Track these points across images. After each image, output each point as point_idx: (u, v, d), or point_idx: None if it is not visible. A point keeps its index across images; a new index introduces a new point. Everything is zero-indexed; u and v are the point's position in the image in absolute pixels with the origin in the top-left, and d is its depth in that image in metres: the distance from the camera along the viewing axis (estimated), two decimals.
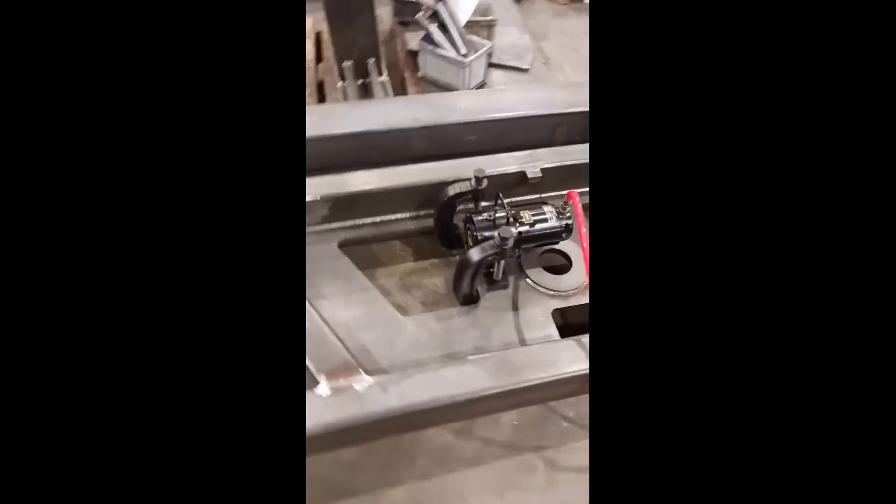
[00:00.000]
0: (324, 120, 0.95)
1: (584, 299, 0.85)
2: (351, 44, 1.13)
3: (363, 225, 0.94)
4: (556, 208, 0.83)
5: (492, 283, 0.85)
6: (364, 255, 0.98)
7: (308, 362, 0.66)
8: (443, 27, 1.34)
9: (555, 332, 0.81)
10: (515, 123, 1.00)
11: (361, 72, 1.20)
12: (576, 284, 0.86)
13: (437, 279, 0.99)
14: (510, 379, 0.65)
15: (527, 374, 0.65)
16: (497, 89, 1.12)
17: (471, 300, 0.83)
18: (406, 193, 0.91)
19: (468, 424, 1.22)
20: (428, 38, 1.36)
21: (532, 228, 0.80)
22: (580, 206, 0.77)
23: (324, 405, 0.61)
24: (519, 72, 1.40)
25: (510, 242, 0.72)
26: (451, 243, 0.93)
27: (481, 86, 1.36)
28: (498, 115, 0.99)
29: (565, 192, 0.86)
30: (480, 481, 1.15)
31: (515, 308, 0.84)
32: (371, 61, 1.18)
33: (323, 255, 0.90)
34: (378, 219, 0.95)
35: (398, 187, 0.89)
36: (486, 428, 1.21)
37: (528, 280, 0.87)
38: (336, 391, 0.61)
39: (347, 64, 1.19)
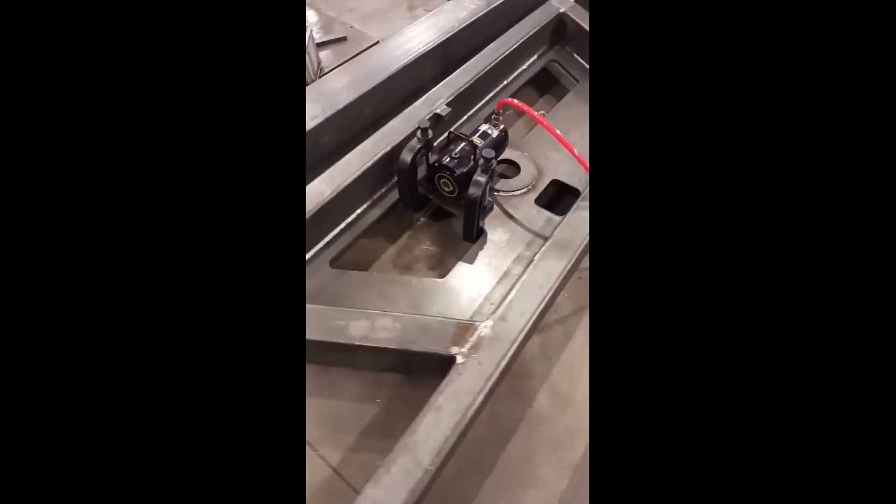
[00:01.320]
0: None
1: (537, 190, 1.00)
2: None
3: (339, 234, 0.90)
4: (488, 122, 0.93)
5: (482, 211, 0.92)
6: (356, 259, 0.95)
7: (434, 347, 0.66)
8: None
9: (545, 212, 0.95)
10: (396, 79, 1.04)
11: None
12: (528, 179, 1.00)
13: (424, 245, 1.02)
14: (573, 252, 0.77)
15: (578, 241, 0.78)
16: (352, 62, 1.11)
17: (480, 232, 0.90)
18: (355, 185, 0.89)
19: None
20: None
21: (488, 144, 0.89)
22: (515, 101, 0.88)
23: (478, 363, 0.63)
24: (340, 42, 1.37)
25: (494, 162, 0.80)
26: (419, 205, 0.96)
27: (321, 70, 1.30)
28: (380, 78, 1.01)
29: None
30: None
31: (511, 217, 0.94)
32: None
33: (324, 280, 0.84)
34: (344, 222, 0.91)
35: (349, 182, 0.86)
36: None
37: (497, 194, 0.97)
38: (472, 348, 0.64)
39: None
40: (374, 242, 0.99)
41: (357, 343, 0.64)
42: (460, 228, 0.94)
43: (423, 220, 1.02)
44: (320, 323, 0.67)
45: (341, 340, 0.64)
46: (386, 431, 0.76)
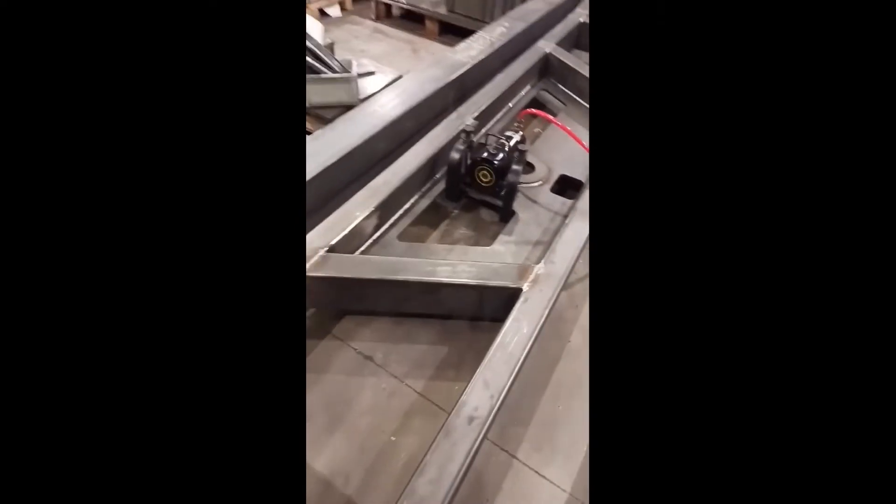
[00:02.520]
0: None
1: (550, 182, 1.25)
2: None
3: (398, 219, 1.09)
4: (512, 129, 1.18)
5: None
6: (410, 241, 1.12)
7: (504, 283, 0.83)
8: (312, 56, 1.41)
9: (559, 197, 1.19)
10: (429, 101, 1.28)
11: None
12: (542, 174, 1.25)
13: (460, 230, 1.22)
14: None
15: None
16: (389, 89, 1.34)
17: (512, 213, 1.12)
18: (411, 178, 1.09)
19: None
20: (310, 71, 1.40)
21: (512, 144, 1.13)
22: (533, 109, 1.14)
23: (539, 291, 0.82)
24: (370, 75, 1.61)
25: (525, 154, 1.04)
26: (458, 197, 1.17)
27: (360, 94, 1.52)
28: (416, 100, 1.24)
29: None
30: None
31: (534, 202, 1.17)
32: None
33: (397, 250, 1.02)
34: (402, 209, 1.10)
35: (408, 177, 1.06)
36: None
37: (519, 186, 1.20)
38: (532, 282, 0.83)
39: None
40: (420, 229, 1.19)
41: (445, 281, 0.82)
42: (490, 216, 1.15)
43: (457, 211, 1.23)
44: (413, 269, 0.84)
45: (431, 279, 0.82)
46: (459, 366, 0.92)
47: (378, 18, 2.74)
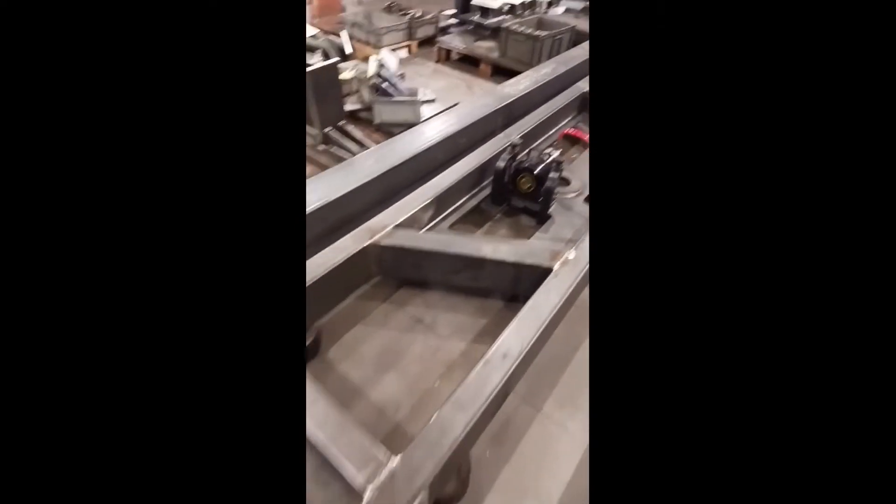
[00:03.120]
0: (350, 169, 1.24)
1: (584, 195, 1.41)
2: (330, 114, 1.41)
3: (450, 213, 1.28)
4: (551, 147, 1.36)
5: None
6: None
7: (538, 262, 0.99)
8: (386, 81, 1.75)
9: (587, 205, 1.33)
10: (480, 123, 1.50)
11: (339, 134, 1.49)
12: (577, 187, 1.41)
13: (501, 231, 1.39)
14: None
15: None
16: (446, 113, 1.58)
17: (548, 217, 1.28)
18: (463, 180, 1.29)
19: None
20: (382, 93, 1.72)
21: (551, 159, 1.31)
22: (570, 129, 1.32)
23: (568, 271, 0.96)
24: (431, 102, 1.89)
25: (563, 165, 1.22)
26: (501, 202, 1.35)
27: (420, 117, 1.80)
28: (470, 121, 1.46)
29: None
30: None
31: (568, 210, 1.33)
32: (341, 123, 1.46)
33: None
34: (454, 205, 1.30)
35: (460, 179, 1.26)
36: None
37: (556, 197, 1.37)
38: (562, 264, 0.98)
39: (328, 129, 1.45)
40: (466, 227, 1.37)
41: (488, 256, 0.99)
42: (528, 221, 1.32)
43: (499, 215, 1.41)
44: (462, 245, 1.02)
45: (477, 255, 0.99)
46: (495, 334, 1.05)
47: (439, 61, 3.13)
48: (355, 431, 0.67)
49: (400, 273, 1.09)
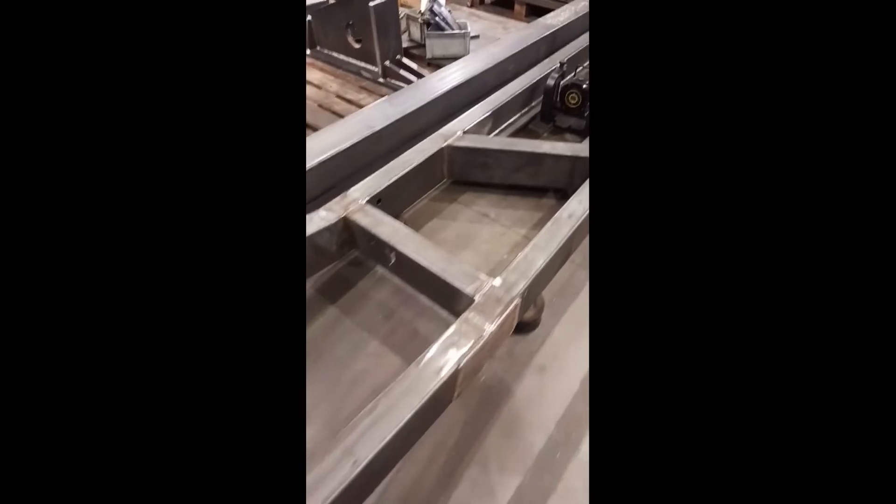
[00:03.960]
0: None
1: None
2: (389, 49, 1.57)
3: (505, 128, 1.45)
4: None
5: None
6: None
7: None
8: (438, 16, 1.91)
9: None
10: (527, 50, 1.63)
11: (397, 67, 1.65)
12: None
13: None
14: None
15: None
16: (495, 42, 1.72)
17: None
18: (516, 98, 1.44)
19: None
20: (435, 27, 1.89)
21: None
22: None
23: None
24: (476, 38, 2.02)
25: None
26: (549, 119, 1.50)
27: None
28: (519, 48, 1.60)
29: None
30: None
31: None
32: (398, 57, 1.62)
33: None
34: (507, 122, 1.46)
35: (514, 96, 1.42)
36: None
37: None
38: None
39: (387, 63, 1.62)
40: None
41: (548, 153, 1.16)
42: (573, 139, 1.47)
43: (546, 133, 1.57)
44: (524, 144, 1.19)
45: (538, 151, 1.16)
46: None
47: (473, 5, 3.21)
48: (462, 264, 0.87)
49: (467, 173, 1.27)
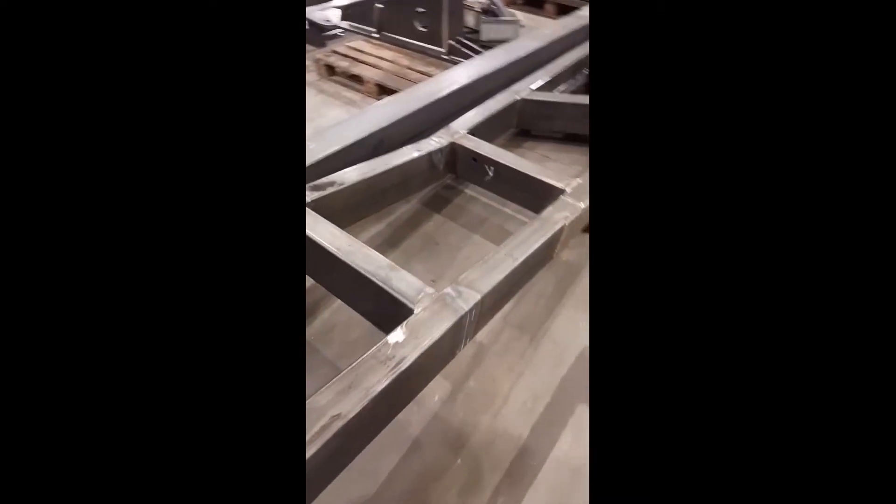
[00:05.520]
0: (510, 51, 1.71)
1: None
2: (455, 28, 1.89)
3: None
4: None
5: None
6: None
7: None
8: (493, 6, 2.25)
9: None
10: (566, 38, 1.95)
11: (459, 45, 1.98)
12: None
13: None
14: None
15: None
16: (543, 30, 2.05)
17: None
18: (558, 76, 1.75)
19: None
20: (489, 13, 2.23)
21: None
22: None
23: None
24: (523, 27, 2.37)
25: None
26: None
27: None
28: (565, 32, 1.92)
29: None
30: None
31: None
32: (458, 38, 1.96)
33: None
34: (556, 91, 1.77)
35: (557, 75, 1.73)
36: None
37: None
38: None
39: (451, 41, 1.95)
40: None
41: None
42: None
43: None
44: (582, 98, 1.49)
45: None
46: None
47: (507, 4, 3.56)
48: (550, 169, 1.16)
49: (533, 122, 1.57)
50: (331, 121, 1.73)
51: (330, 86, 2.01)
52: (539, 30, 1.96)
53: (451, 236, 1.27)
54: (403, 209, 1.37)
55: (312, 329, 1.03)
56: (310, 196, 0.98)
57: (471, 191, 1.43)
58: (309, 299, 1.09)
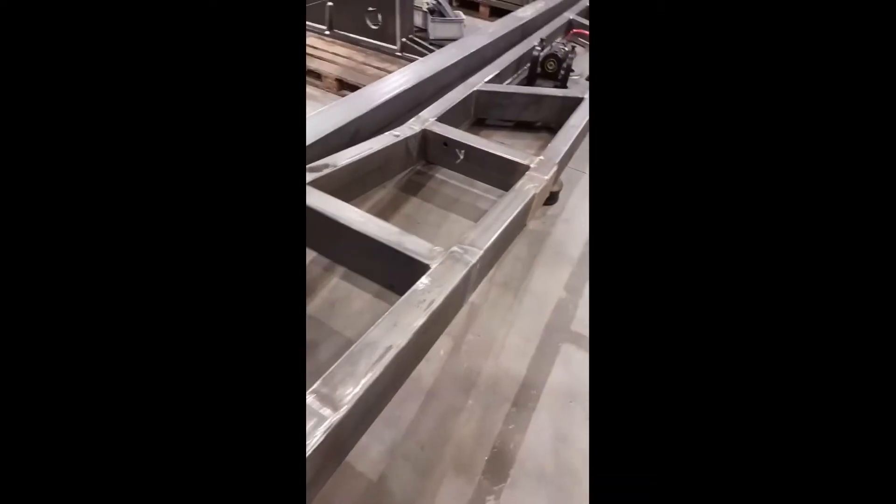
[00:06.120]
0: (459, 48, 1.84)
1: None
2: (406, 27, 1.99)
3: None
4: (562, 43, 2.04)
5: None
6: None
7: None
8: (439, 6, 2.34)
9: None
10: (507, 35, 2.13)
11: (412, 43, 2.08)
12: (579, 72, 2.10)
13: None
14: None
15: None
16: (484, 29, 2.21)
17: (566, 87, 1.96)
18: (510, 66, 1.92)
19: None
20: (437, 13, 2.32)
21: (567, 49, 1.98)
22: (576, 28, 2.00)
23: None
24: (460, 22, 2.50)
25: (576, 50, 1.90)
26: (532, 82, 2.01)
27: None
28: (506, 31, 2.10)
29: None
30: None
31: (576, 83, 2.01)
32: (410, 35, 2.06)
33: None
34: (506, 82, 1.93)
35: (507, 65, 1.90)
36: None
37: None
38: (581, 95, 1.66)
39: (404, 39, 2.04)
40: None
41: (547, 94, 1.65)
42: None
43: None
44: (529, 90, 1.67)
45: (540, 94, 1.65)
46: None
47: None
48: (515, 149, 1.31)
49: (487, 111, 1.72)
50: None
51: None
52: (484, 28, 2.13)
53: (430, 216, 1.38)
54: (381, 194, 1.45)
55: (314, 306, 1.09)
56: (309, 177, 1.04)
57: (441, 175, 1.55)
58: (308, 277, 1.14)
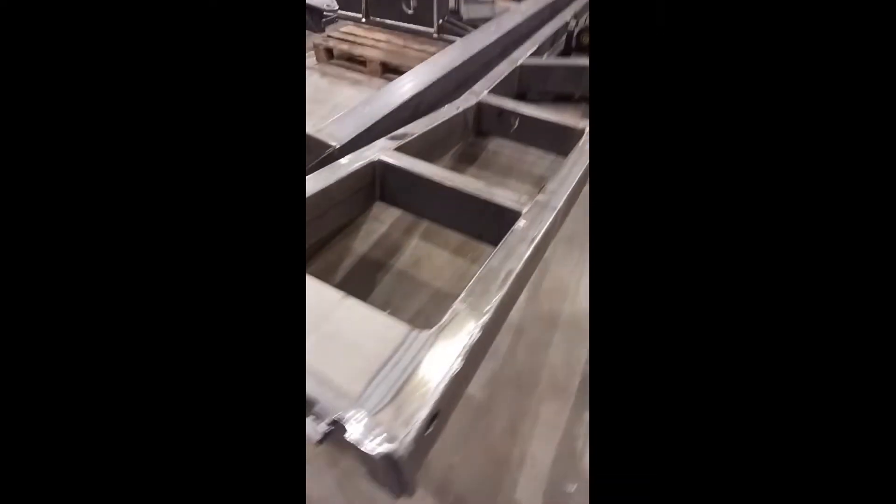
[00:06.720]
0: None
1: None
2: (442, 10, 2.07)
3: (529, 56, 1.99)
4: None
5: None
6: None
7: None
8: None
9: None
10: (540, 13, 2.20)
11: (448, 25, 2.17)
12: None
13: None
14: None
15: None
16: (518, 7, 2.28)
17: None
18: (542, 45, 1.99)
19: None
20: None
21: None
22: None
23: None
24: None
25: None
26: (568, 54, 2.08)
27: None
28: (537, 8, 2.16)
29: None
30: None
31: None
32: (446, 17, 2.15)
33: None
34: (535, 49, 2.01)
35: (545, 40, 1.97)
36: None
37: None
38: None
39: (441, 21, 2.13)
40: None
41: (585, 65, 1.72)
42: None
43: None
44: (574, 61, 1.74)
45: (580, 65, 1.72)
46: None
47: None
48: (566, 114, 1.39)
49: (530, 85, 1.80)
50: (345, 99, 1.86)
51: (331, 69, 2.12)
52: (516, 8, 2.20)
53: (491, 181, 1.47)
54: (442, 164, 1.54)
55: (403, 262, 1.19)
56: (393, 144, 1.13)
57: (492, 146, 1.64)
58: (391, 238, 1.24)
